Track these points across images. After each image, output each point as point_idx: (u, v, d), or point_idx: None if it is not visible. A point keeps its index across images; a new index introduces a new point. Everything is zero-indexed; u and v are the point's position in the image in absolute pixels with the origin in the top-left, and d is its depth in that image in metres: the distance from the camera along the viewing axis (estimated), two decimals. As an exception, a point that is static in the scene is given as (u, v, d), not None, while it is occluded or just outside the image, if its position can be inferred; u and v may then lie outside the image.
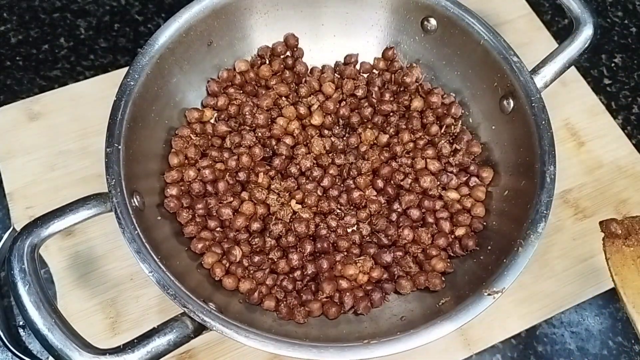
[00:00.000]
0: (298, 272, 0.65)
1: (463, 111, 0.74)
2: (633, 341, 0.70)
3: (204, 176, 0.68)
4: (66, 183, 0.75)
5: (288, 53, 0.78)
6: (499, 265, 0.57)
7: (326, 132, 0.74)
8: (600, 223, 0.58)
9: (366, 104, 0.75)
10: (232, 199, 0.68)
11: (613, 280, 0.55)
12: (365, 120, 0.75)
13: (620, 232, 0.56)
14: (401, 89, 0.77)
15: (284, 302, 0.63)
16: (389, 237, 0.66)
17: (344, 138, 0.74)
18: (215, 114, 0.75)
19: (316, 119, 0.73)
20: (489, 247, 0.63)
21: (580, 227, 0.75)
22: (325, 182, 0.69)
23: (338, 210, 0.68)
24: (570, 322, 0.71)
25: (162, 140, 0.69)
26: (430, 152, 0.71)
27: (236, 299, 0.63)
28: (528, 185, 0.61)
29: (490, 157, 0.71)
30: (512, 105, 0.66)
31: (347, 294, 0.63)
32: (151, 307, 0.68)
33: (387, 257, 0.65)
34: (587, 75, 0.88)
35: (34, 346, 0.67)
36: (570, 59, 0.67)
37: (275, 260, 0.65)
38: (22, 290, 0.49)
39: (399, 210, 0.69)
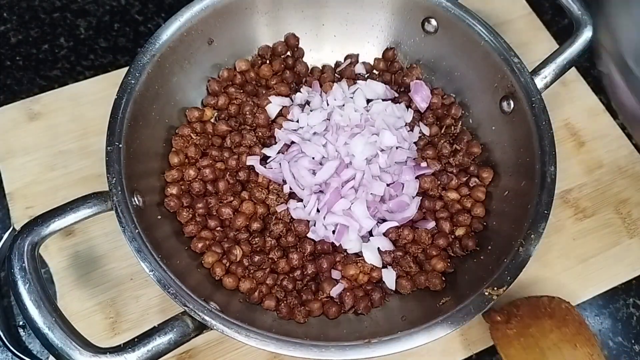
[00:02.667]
0: (298, 272, 0.65)
1: (463, 111, 0.74)
2: (633, 341, 0.70)
3: (204, 175, 0.68)
4: (66, 183, 0.75)
5: (288, 53, 0.78)
6: (499, 265, 0.57)
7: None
8: (483, 315, 0.65)
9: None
10: (232, 198, 0.68)
11: None
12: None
13: (500, 318, 0.63)
14: (402, 89, 0.77)
15: (284, 302, 0.63)
16: (389, 237, 0.66)
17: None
18: (216, 113, 0.75)
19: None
20: (489, 247, 0.63)
21: (580, 227, 0.75)
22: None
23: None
24: (570, 322, 0.70)
25: (162, 139, 0.69)
26: (430, 152, 0.71)
27: (236, 299, 0.63)
28: (528, 185, 0.61)
29: (490, 158, 0.71)
30: (512, 105, 0.66)
31: (348, 293, 0.63)
32: (151, 307, 0.68)
33: (387, 257, 0.65)
34: (587, 75, 0.88)
35: (34, 346, 0.67)
36: (571, 60, 0.67)
37: (276, 259, 0.65)
38: (22, 289, 0.49)
39: (399, 210, 0.69)
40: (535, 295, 0.66)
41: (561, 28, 0.92)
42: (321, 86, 0.76)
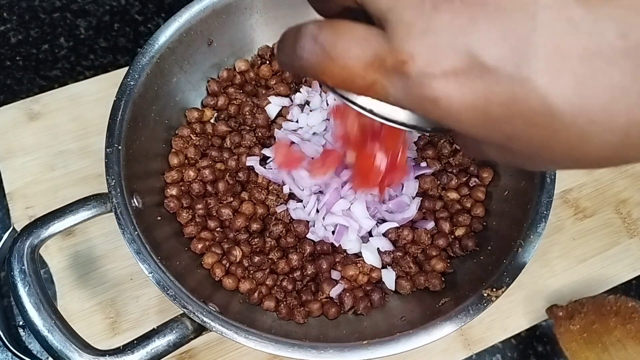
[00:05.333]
0: (298, 273, 0.65)
1: (463, 111, 0.74)
2: (633, 341, 0.70)
3: (204, 176, 0.68)
4: (66, 183, 0.75)
5: (288, 53, 0.78)
6: (499, 265, 0.57)
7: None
8: (546, 310, 0.67)
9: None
10: (232, 199, 0.68)
11: (564, 355, 0.63)
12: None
13: (562, 314, 0.65)
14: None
15: (284, 303, 0.63)
16: (389, 237, 0.66)
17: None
18: (215, 114, 0.75)
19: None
20: (489, 248, 0.63)
21: (580, 227, 0.75)
22: (325, 182, 0.69)
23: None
24: (570, 322, 0.71)
25: (162, 140, 0.69)
26: (430, 152, 0.71)
27: (236, 299, 0.63)
28: (528, 185, 0.61)
29: (490, 157, 0.71)
30: (512, 105, 0.66)
31: (347, 294, 0.63)
32: (151, 307, 0.69)
33: (387, 258, 0.65)
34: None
35: (34, 346, 0.67)
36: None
37: (275, 260, 0.65)
38: (22, 291, 0.49)
39: (399, 210, 0.69)
40: (601, 294, 0.66)
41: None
42: (321, 86, 0.76)
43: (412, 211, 0.67)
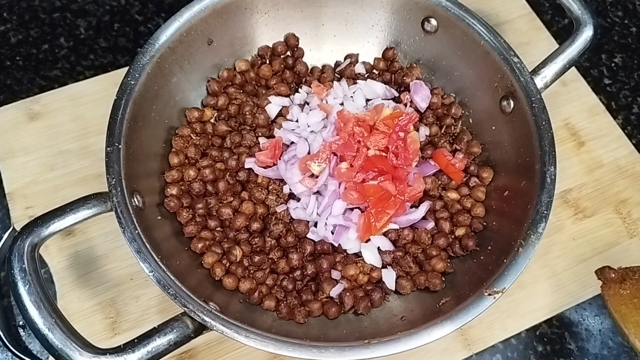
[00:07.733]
0: (298, 272, 0.65)
1: (463, 111, 0.74)
2: (633, 341, 0.70)
3: (204, 176, 0.68)
4: (66, 183, 0.75)
5: (288, 53, 0.78)
6: (499, 265, 0.57)
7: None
8: (596, 272, 0.65)
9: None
10: (232, 198, 0.68)
11: (613, 318, 0.62)
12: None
13: (613, 276, 0.63)
14: (401, 89, 0.77)
15: (284, 302, 0.63)
16: (389, 237, 0.66)
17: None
18: (216, 114, 0.75)
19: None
20: (489, 248, 0.63)
21: (580, 227, 0.75)
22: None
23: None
24: (570, 322, 0.71)
25: (162, 140, 0.69)
26: (430, 152, 0.71)
27: (236, 299, 0.63)
28: (528, 185, 0.61)
29: (490, 157, 0.71)
30: (512, 105, 0.66)
31: (347, 293, 0.63)
32: (151, 307, 0.68)
33: (387, 257, 0.65)
34: (587, 75, 0.88)
35: (34, 346, 0.67)
36: (571, 59, 0.67)
37: (276, 260, 0.65)
38: (22, 290, 0.49)
39: (399, 210, 0.68)
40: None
41: (561, 28, 0.92)
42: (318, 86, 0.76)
43: (419, 213, 0.67)
